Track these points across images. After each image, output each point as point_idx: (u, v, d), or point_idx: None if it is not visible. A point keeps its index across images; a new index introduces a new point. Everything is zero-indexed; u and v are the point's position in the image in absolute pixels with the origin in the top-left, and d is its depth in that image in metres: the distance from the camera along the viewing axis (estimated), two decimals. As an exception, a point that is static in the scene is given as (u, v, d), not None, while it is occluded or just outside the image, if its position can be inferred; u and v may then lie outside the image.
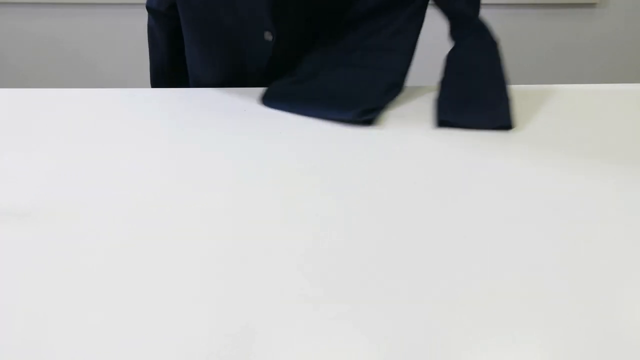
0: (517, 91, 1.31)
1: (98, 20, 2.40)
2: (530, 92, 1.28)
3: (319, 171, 1.02)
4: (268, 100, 1.04)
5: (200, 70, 1.18)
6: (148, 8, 1.21)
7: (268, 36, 1.04)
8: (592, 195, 1.01)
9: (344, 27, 1.04)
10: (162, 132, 1.15)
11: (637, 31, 2.46)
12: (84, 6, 2.37)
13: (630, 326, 0.77)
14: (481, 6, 1.12)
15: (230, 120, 1.18)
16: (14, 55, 2.50)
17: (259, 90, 1.21)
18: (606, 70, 2.52)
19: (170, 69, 1.22)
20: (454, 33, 1.11)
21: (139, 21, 2.44)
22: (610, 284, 0.83)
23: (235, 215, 0.93)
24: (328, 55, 1.05)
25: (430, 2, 1.12)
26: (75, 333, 0.75)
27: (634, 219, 0.95)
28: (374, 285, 0.81)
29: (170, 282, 0.83)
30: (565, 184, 1.02)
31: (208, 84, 1.17)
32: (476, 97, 1.04)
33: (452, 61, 1.09)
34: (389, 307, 0.78)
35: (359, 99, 0.98)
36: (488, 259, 0.86)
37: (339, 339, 0.74)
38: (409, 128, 1.11)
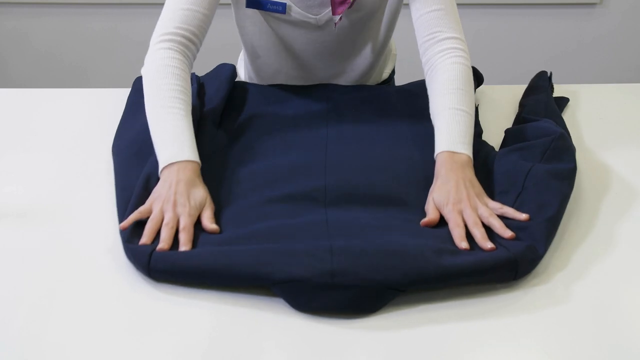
0: (518, 90, 1.31)
1: (97, 21, 2.40)
2: (531, 91, 1.28)
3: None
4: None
5: None
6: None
7: None
8: (595, 191, 1.01)
9: None
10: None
11: (637, 31, 2.46)
12: (84, 6, 2.37)
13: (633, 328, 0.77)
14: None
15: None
16: (14, 56, 2.50)
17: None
18: (606, 70, 2.52)
19: None
20: None
21: (137, 21, 2.45)
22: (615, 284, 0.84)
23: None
24: None
25: None
26: (74, 329, 0.74)
27: (635, 218, 0.95)
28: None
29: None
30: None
31: None
32: None
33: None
34: (394, 311, 0.78)
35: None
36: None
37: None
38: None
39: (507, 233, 0.85)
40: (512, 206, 0.89)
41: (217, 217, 0.90)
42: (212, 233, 0.87)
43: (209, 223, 0.88)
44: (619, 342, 0.74)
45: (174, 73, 1.01)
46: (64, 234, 0.90)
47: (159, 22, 1.07)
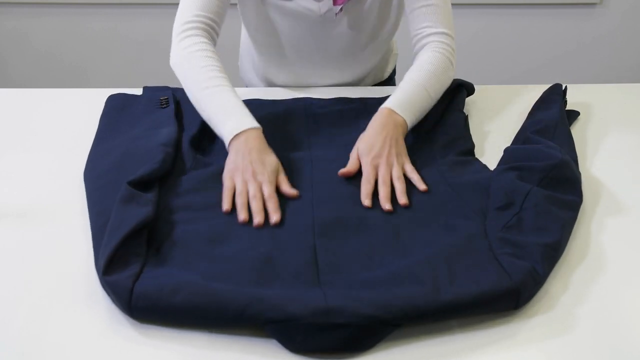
0: (518, 90, 1.31)
1: (97, 21, 2.40)
2: (531, 91, 1.28)
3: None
4: None
5: None
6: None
7: None
8: (594, 192, 1.01)
9: None
10: (161, 132, 1.15)
11: (637, 31, 2.46)
12: (84, 6, 2.37)
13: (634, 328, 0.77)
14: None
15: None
16: (14, 55, 2.50)
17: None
18: (606, 70, 2.53)
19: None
20: None
21: (138, 21, 2.45)
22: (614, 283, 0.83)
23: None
24: None
25: None
26: (74, 329, 0.74)
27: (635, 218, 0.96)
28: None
29: (170, 282, 0.82)
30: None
31: None
32: None
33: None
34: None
35: None
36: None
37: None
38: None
39: (403, 200, 0.91)
40: (507, 223, 0.86)
41: (203, 241, 0.85)
42: (291, 197, 0.92)
43: (287, 188, 0.94)
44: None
45: (208, 56, 1.06)
46: (64, 234, 0.90)
47: (178, 13, 1.10)
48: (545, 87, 1.24)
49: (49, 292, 0.80)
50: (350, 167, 0.96)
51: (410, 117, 1.04)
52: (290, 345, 0.72)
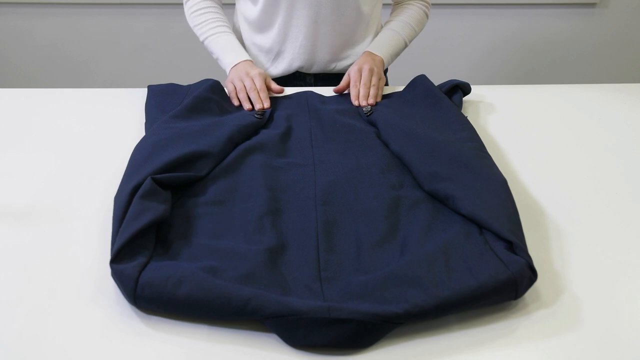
0: (518, 90, 1.31)
1: (97, 21, 2.40)
2: (531, 91, 1.28)
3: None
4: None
5: None
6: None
7: None
8: (594, 192, 1.01)
9: None
10: (161, 132, 1.15)
11: (637, 31, 2.46)
12: (84, 6, 2.37)
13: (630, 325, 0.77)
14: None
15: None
16: (15, 55, 2.50)
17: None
18: (606, 70, 2.53)
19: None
20: None
21: (140, 21, 2.45)
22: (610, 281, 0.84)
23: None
24: None
25: None
26: (74, 329, 0.75)
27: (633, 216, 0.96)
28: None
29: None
30: (567, 180, 1.02)
31: None
32: None
33: None
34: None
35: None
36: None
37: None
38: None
39: (372, 100, 1.19)
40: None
41: (208, 236, 0.87)
42: (278, 93, 1.25)
43: (275, 86, 1.25)
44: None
45: (208, 11, 1.35)
46: (64, 234, 0.90)
47: None
48: (545, 86, 1.24)
49: (49, 291, 0.80)
50: (341, 85, 1.25)
51: (386, 56, 1.31)
52: (290, 340, 0.73)
